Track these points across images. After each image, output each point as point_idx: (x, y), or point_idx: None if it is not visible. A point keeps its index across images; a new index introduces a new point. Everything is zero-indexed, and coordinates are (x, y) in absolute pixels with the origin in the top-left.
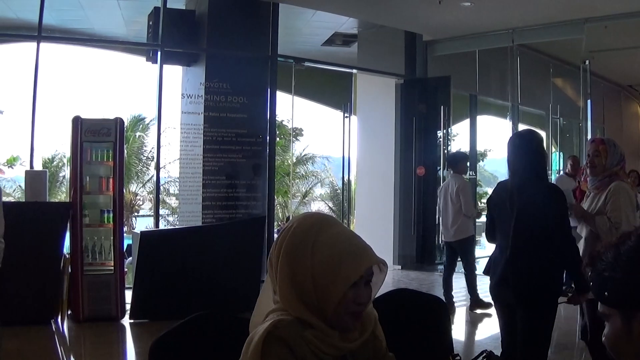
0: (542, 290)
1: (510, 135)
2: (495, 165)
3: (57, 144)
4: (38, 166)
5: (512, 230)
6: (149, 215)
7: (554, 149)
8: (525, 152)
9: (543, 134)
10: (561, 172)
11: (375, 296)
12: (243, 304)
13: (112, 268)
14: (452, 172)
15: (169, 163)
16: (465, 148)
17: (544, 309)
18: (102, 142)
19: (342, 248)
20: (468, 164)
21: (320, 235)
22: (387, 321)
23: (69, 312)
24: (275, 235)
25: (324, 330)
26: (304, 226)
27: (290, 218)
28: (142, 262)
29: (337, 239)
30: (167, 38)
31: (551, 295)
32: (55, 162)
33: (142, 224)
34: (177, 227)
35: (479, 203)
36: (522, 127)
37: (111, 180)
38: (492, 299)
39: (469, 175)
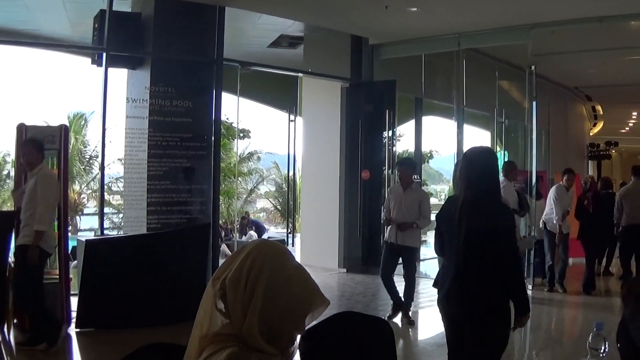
0: (489, 307)
1: (456, 141)
2: (441, 162)
3: None
4: None
5: (462, 245)
6: (94, 214)
7: (498, 149)
8: (480, 167)
9: (488, 134)
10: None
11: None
12: (188, 312)
13: (58, 277)
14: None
15: (112, 162)
16: (411, 149)
17: (491, 326)
18: (47, 150)
19: (309, 284)
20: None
21: (288, 269)
22: (332, 345)
23: (15, 322)
24: (223, 242)
25: (271, 353)
26: (275, 258)
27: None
28: (88, 271)
29: (302, 274)
30: (113, 41)
31: (499, 313)
32: None
33: (87, 222)
34: (121, 235)
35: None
36: (467, 127)
37: None
38: (440, 312)
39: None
